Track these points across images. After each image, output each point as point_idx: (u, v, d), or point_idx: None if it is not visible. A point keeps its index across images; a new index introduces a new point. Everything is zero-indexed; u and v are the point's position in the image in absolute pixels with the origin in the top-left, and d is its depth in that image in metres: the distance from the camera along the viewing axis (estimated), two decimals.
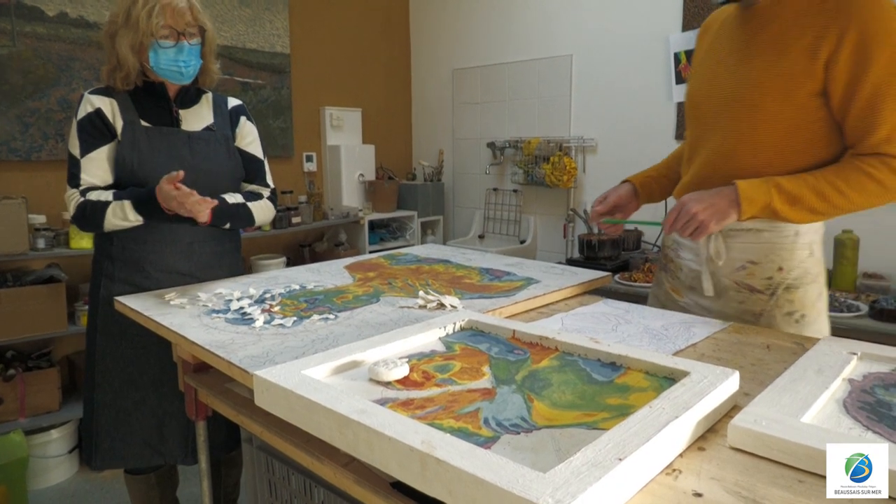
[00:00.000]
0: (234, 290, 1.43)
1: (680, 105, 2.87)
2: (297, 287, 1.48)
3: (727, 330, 1.17)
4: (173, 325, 1.20)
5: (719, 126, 1.25)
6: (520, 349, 0.97)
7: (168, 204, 1.42)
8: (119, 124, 1.53)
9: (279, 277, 1.61)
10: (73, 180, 1.52)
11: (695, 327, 1.18)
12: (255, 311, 1.26)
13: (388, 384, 0.84)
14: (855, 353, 0.92)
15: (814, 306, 1.25)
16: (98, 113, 1.53)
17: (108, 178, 1.54)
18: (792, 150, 1.17)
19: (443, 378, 0.86)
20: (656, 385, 0.82)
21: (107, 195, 1.49)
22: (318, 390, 0.76)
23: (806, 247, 1.22)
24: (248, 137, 1.74)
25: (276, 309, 1.29)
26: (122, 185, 1.53)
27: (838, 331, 1.96)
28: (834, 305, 2.11)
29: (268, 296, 1.39)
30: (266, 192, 1.74)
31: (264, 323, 1.19)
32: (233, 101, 1.74)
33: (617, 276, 2.57)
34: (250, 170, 1.73)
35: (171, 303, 1.35)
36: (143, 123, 1.56)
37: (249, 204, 1.66)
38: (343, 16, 3.80)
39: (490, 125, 3.75)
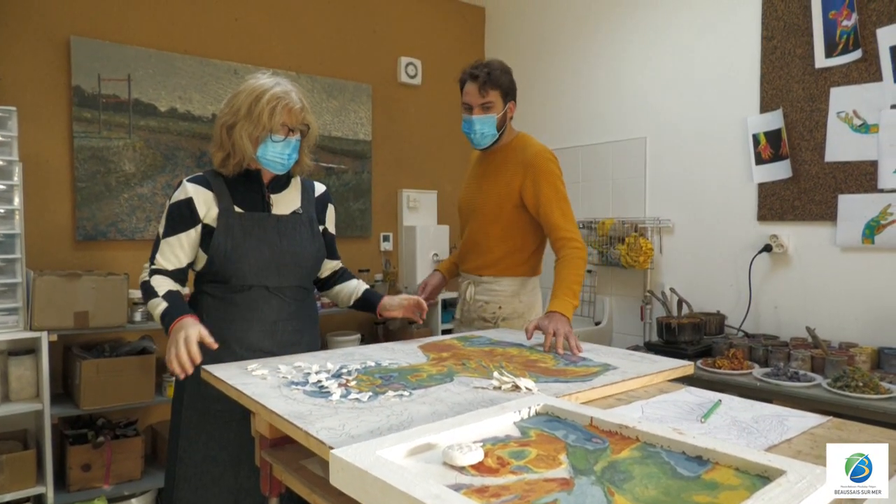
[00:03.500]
0: (313, 364, 1.48)
1: (761, 186, 2.80)
2: (373, 364, 1.50)
3: (826, 426, 1.09)
4: (255, 394, 1.24)
5: (471, 222, 2.17)
6: (598, 438, 0.94)
7: (168, 354, 1.46)
8: (213, 212, 1.65)
9: (355, 354, 1.64)
10: (151, 258, 1.66)
11: (789, 421, 1.11)
12: (332, 385, 1.29)
13: (462, 469, 0.83)
14: None
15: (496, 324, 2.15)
16: (188, 202, 1.64)
17: (179, 263, 1.66)
18: (509, 237, 2.10)
19: (518, 465, 0.84)
20: (748, 484, 0.76)
21: (164, 287, 1.60)
22: (393, 472, 0.76)
23: (516, 297, 2.15)
24: (332, 220, 1.91)
25: (353, 384, 1.32)
26: (217, 266, 1.63)
27: None
28: None
29: (344, 371, 1.42)
30: (340, 262, 1.98)
31: (341, 397, 1.22)
32: (319, 188, 1.87)
33: (699, 362, 2.45)
34: (330, 246, 1.90)
35: (254, 373, 1.41)
36: (237, 209, 1.67)
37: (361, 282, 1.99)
38: (421, 103, 4.02)
39: None
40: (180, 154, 3.05)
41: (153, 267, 1.64)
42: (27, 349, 2.52)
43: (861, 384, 2.03)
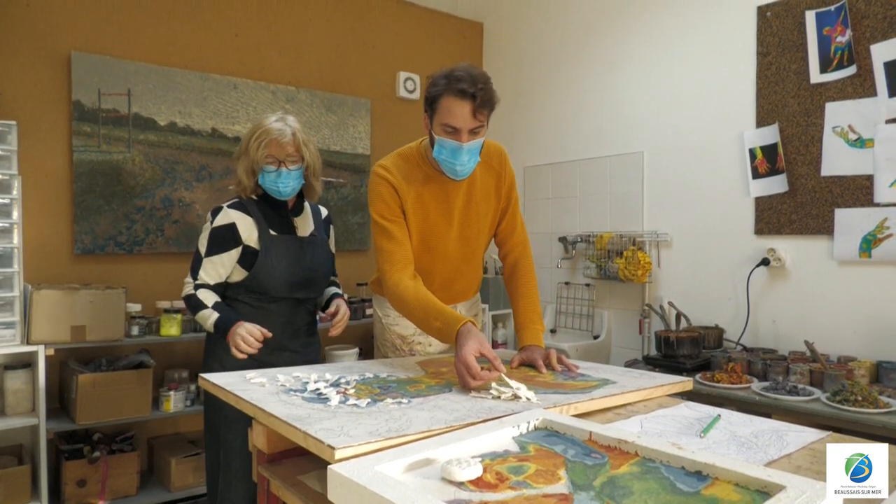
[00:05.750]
0: (311, 374, 1.48)
1: (758, 200, 2.81)
2: (371, 375, 1.50)
3: (825, 440, 1.08)
4: (253, 399, 1.25)
5: (454, 255, 1.84)
6: (597, 453, 0.93)
7: (234, 341, 1.77)
8: (254, 235, 1.88)
9: (353, 368, 1.64)
10: (193, 273, 1.88)
11: (788, 436, 1.10)
12: (331, 392, 1.29)
13: (460, 484, 0.82)
14: None
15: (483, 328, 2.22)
16: (232, 227, 1.87)
17: (219, 278, 1.89)
18: (483, 251, 1.95)
19: (517, 480, 0.83)
20: (748, 499, 0.76)
21: (210, 299, 1.86)
22: (391, 488, 0.76)
23: (479, 302, 2.14)
24: (332, 240, 2.13)
25: (351, 392, 1.32)
26: (259, 281, 1.87)
27: None
28: None
29: (343, 381, 1.42)
30: (337, 279, 2.20)
31: (339, 402, 1.22)
32: (324, 211, 2.11)
33: (698, 376, 2.44)
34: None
35: (252, 381, 1.41)
36: (272, 233, 1.90)
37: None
38: (420, 118, 4.03)
39: (561, 220, 3.78)
40: (179, 168, 3.06)
41: (197, 282, 1.87)
42: (24, 363, 2.50)
43: (860, 398, 2.03)
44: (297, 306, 1.95)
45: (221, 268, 1.88)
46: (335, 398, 1.24)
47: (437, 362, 1.72)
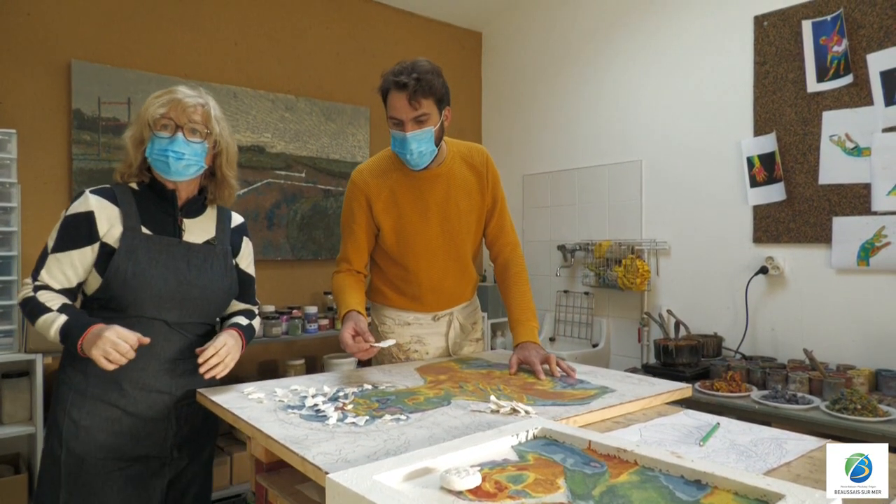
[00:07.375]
0: (310, 388, 1.47)
1: (756, 208, 2.82)
2: (370, 387, 1.50)
3: (824, 448, 1.08)
4: (251, 418, 1.24)
5: (437, 252, 1.85)
6: (596, 461, 0.93)
7: (102, 349, 1.32)
8: (116, 231, 1.45)
9: (351, 377, 1.64)
10: (35, 273, 1.45)
11: (787, 444, 1.10)
12: (329, 409, 1.29)
13: (459, 493, 0.82)
14: None
15: (482, 336, 2.13)
16: (88, 216, 1.44)
17: (67, 282, 1.45)
18: (476, 251, 1.96)
19: (516, 489, 0.83)
20: None
21: (56, 301, 1.42)
22: (390, 497, 0.76)
23: (479, 311, 2.12)
24: (249, 258, 1.71)
25: (349, 407, 1.31)
26: (114, 292, 1.43)
27: None
28: None
29: (341, 394, 1.42)
30: (256, 310, 1.75)
31: (337, 421, 1.21)
32: (237, 219, 1.69)
33: (697, 385, 2.44)
34: (244, 288, 1.68)
35: (250, 397, 1.41)
36: (144, 231, 1.48)
37: (253, 323, 1.69)
38: None
39: (560, 228, 3.79)
40: None
41: (37, 283, 1.43)
42: (21, 371, 2.50)
43: (859, 406, 2.03)
44: (169, 332, 1.48)
45: (70, 269, 1.43)
46: (333, 416, 1.24)
47: (436, 368, 1.72)
